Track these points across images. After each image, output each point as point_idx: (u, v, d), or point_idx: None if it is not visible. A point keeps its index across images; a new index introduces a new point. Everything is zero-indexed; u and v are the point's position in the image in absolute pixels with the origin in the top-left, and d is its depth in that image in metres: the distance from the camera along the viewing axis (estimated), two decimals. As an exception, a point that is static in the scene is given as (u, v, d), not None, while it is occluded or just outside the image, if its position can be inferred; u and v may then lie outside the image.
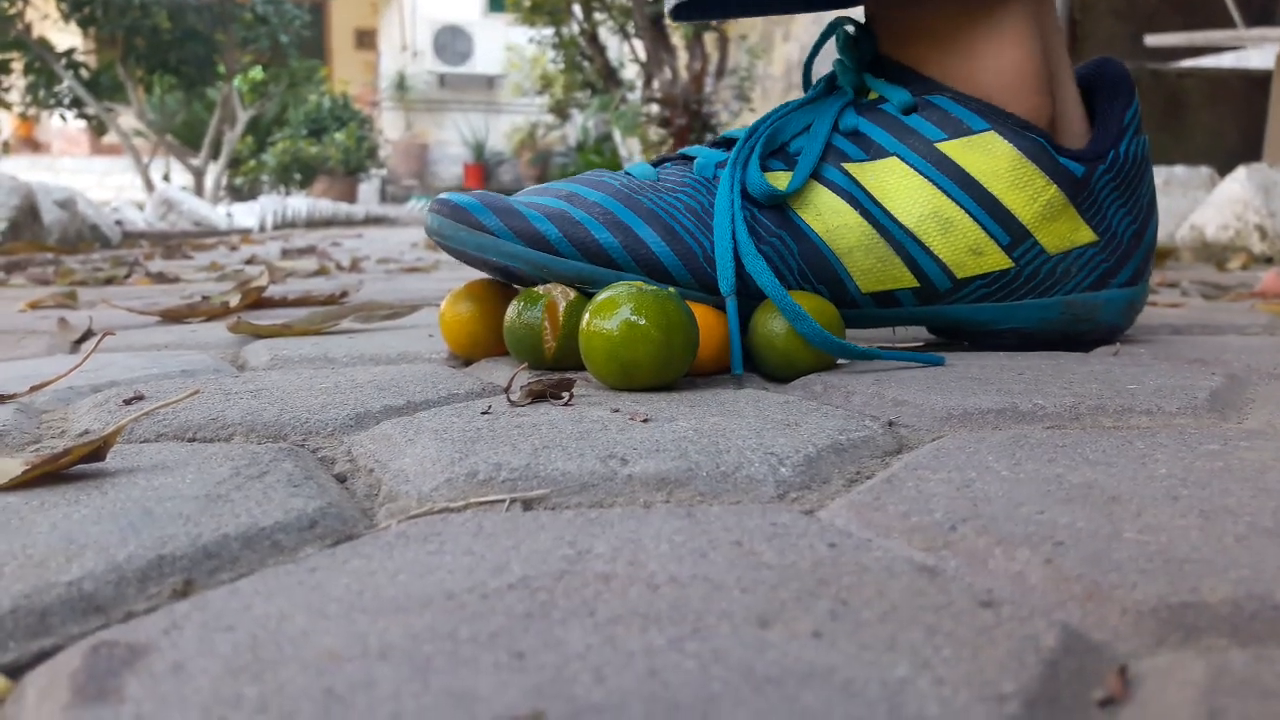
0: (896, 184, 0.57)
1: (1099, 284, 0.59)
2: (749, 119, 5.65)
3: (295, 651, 0.20)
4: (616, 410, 0.42)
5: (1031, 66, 0.58)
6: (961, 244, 0.57)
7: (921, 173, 0.57)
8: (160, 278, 1.38)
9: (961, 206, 0.57)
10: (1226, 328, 0.72)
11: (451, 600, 0.23)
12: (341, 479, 0.35)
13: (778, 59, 5.62)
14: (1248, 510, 0.28)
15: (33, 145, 10.05)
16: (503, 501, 0.31)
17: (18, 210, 2.23)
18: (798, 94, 5.38)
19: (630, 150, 6.25)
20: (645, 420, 0.39)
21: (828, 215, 0.57)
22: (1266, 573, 0.23)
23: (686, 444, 0.35)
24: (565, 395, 0.44)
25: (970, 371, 0.50)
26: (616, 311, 0.46)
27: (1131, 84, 0.61)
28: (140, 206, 3.89)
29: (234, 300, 0.88)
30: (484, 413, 0.41)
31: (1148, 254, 0.61)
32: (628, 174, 0.59)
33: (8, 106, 5.77)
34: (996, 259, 0.57)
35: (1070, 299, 0.59)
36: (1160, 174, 1.53)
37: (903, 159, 0.57)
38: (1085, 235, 0.58)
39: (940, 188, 0.57)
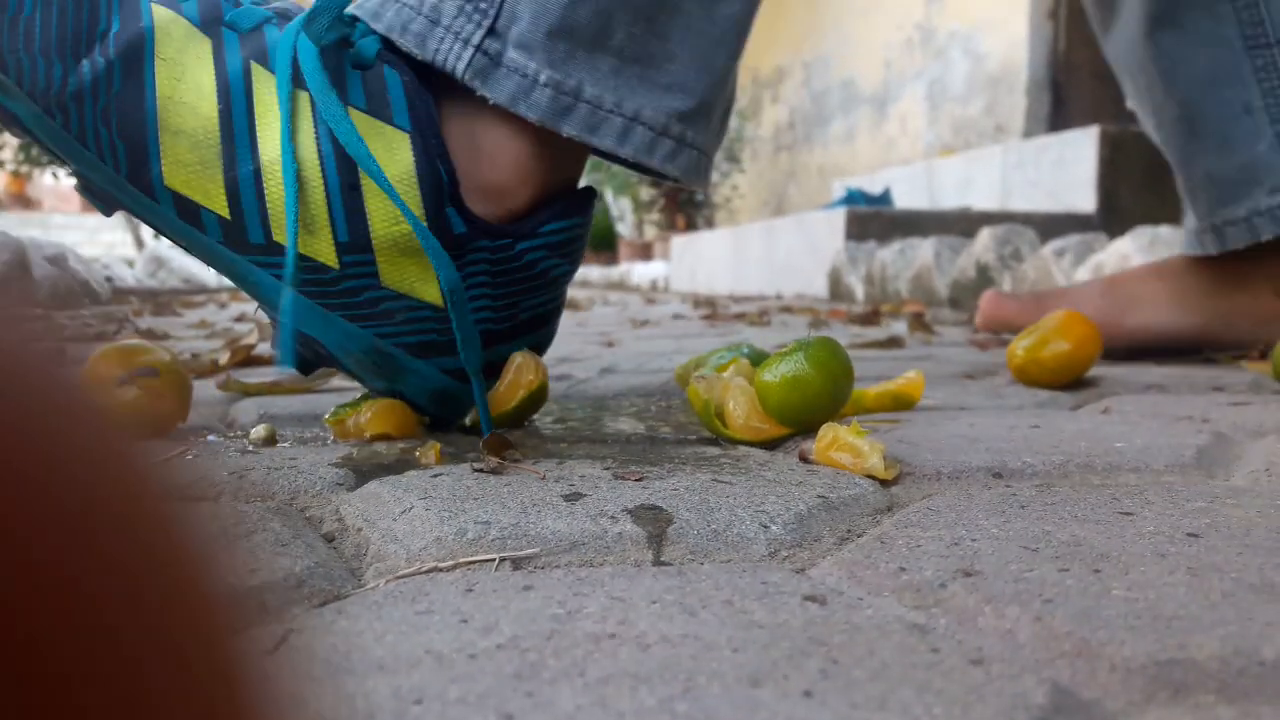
0: (271, 110, 0.47)
1: (419, 351, 0.50)
2: (739, 180, 5.73)
3: (280, 714, 0.20)
4: (608, 468, 0.42)
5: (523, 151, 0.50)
6: (308, 212, 0.47)
7: (321, 118, 0.47)
8: (149, 334, 1.38)
9: (324, 172, 0.47)
10: (1211, 385, 0.73)
11: (440, 660, 0.23)
12: (330, 539, 0.35)
13: (766, 121, 5.73)
14: (1234, 567, 0.28)
15: (24, 202, 10.10)
16: (492, 560, 0.31)
17: (8, 266, 2.23)
18: (787, 156, 5.47)
19: (622, 209, 6.31)
20: (639, 479, 0.39)
21: (189, 84, 0.47)
22: (1253, 629, 0.23)
23: (677, 502, 0.35)
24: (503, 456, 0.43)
25: (959, 430, 0.51)
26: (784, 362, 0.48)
27: (583, 208, 0.52)
28: (130, 263, 3.91)
29: (223, 358, 0.88)
30: (476, 470, 0.41)
31: (486, 364, 0.51)
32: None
33: (0, 164, 5.81)
34: (325, 251, 0.48)
35: (379, 344, 0.50)
36: (1146, 234, 1.56)
37: (316, 99, 0.47)
38: (431, 295, 0.49)
39: (319, 142, 0.47)
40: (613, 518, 0.34)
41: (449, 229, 0.49)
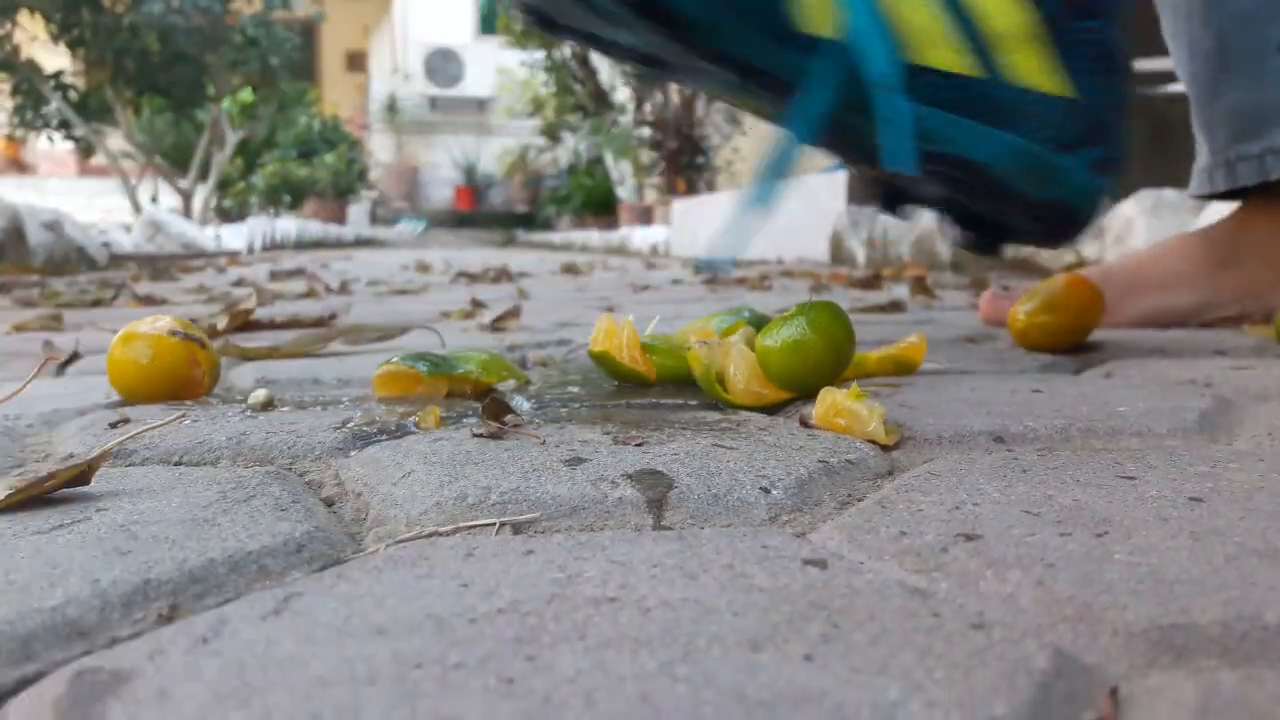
0: None
1: (1067, 146, 0.51)
2: (741, 143, 5.68)
3: (282, 677, 0.20)
4: (608, 433, 0.42)
5: None
6: (922, 21, 0.47)
7: None
8: (148, 300, 1.37)
9: None
10: (1214, 349, 0.72)
11: (440, 625, 0.23)
12: (329, 503, 0.35)
13: (766, 83, 5.66)
14: (1237, 531, 0.28)
15: (20, 167, 10.04)
16: (492, 525, 0.31)
17: (4, 232, 2.22)
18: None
19: (622, 173, 6.27)
20: (639, 444, 0.39)
21: None
22: (1256, 593, 0.23)
23: (678, 467, 0.35)
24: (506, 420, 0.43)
25: (961, 394, 0.50)
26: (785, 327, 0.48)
27: None
28: (128, 229, 3.88)
29: (222, 323, 0.88)
30: (476, 435, 0.41)
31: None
32: None
33: (-5, 128, 5.77)
34: (952, 58, 0.48)
35: (1030, 147, 0.50)
36: (1150, 197, 1.55)
37: None
38: (1055, 85, 0.49)
39: None
40: (613, 482, 0.33)
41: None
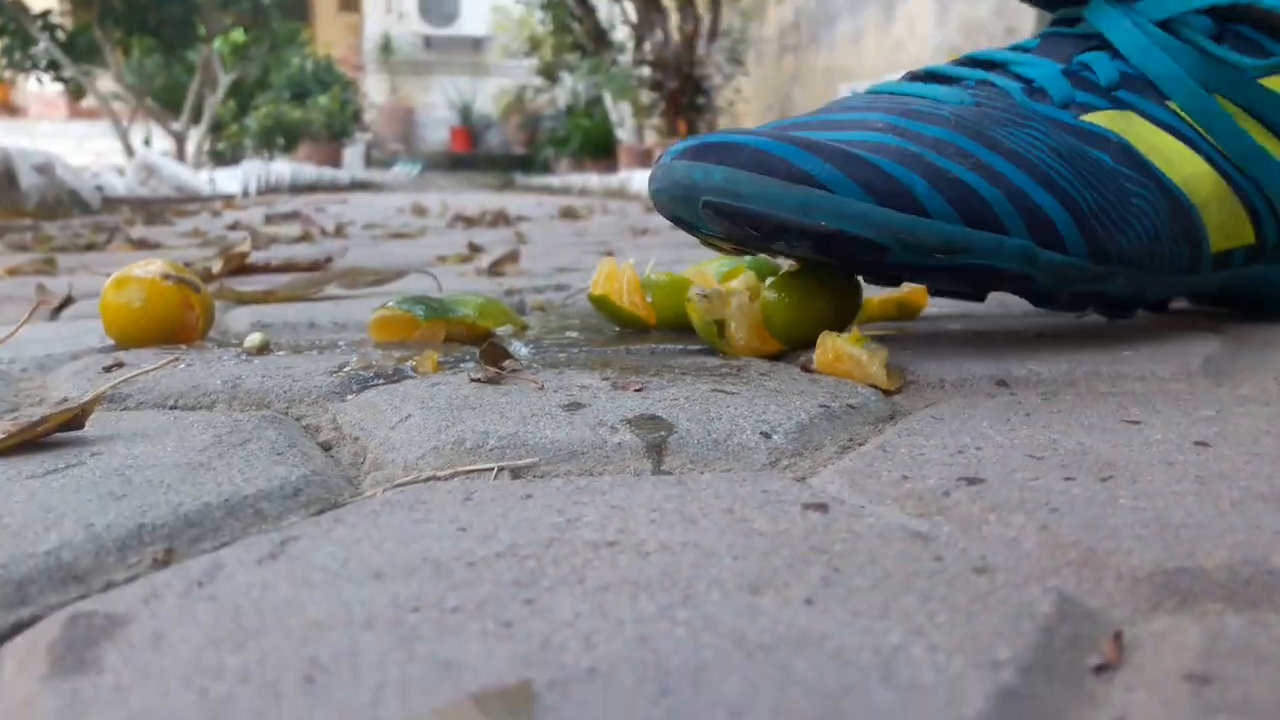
0: (1243, 127, 0.49)
1: None
2: (743, 83, 5.59)
3: (278, 621, 0.20)
4: (607, 378, 0.41)
5: None
6: None
7: (1252, 113, 0.49)
8: (142, 244, 1.36)
9: None
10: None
11: (438, 568, 0.22)
12: (326, 447, 0.35)
13: (771, 20, 5.57)
14: (1243, 476, 0.28)
15: (9, 109, 9.90)
16: (491, 469, 0.31)
17: (-4, 175, 2.19)
18: (792, 58, 5.33)
19: (621, 114, 6.18)
20: (639, 389, 0.39)
21: (1177, 162, 0.47)
22: (1262, 538, 0.23)
23: (677, 411, 0.35)
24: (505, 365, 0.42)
25: (964, 337, 0.50)
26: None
27: None
28: (121, 172, 3.84)
29: (216, 266, 0.87)
30: (474, 380, 0.40)
31: None
32: (923, 97, 0.46)
33: (-16, 69, 5.67)
34: None
35: None
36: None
37: (1226, 97, 0.48)
38: None
39: (1266, 125, 0.49)
40: (612, 427, 0.33)
41: None
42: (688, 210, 0.43)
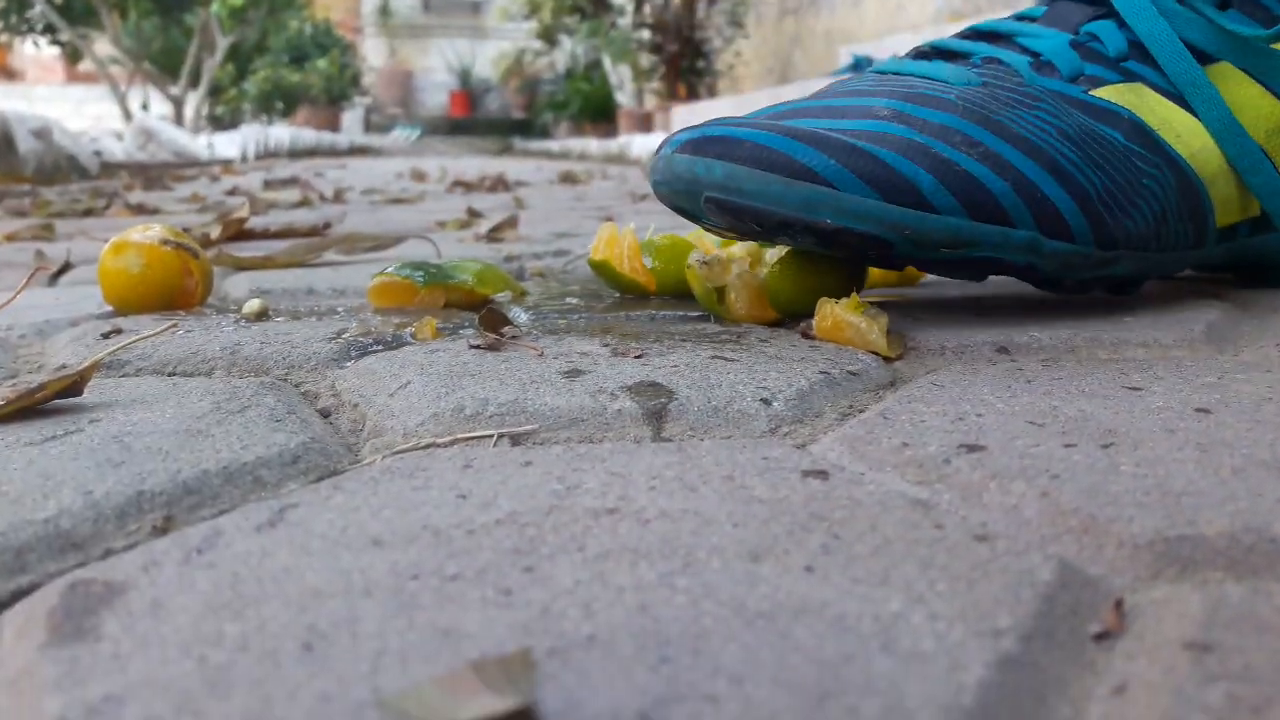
0: (1238, 93, 0.48)
1: None
2: (743, 46, 5.53)
3: (277, 588, 0.20)
4: (607, 345, 0.41)
5: None
6: None
7: (1257, 78, 0.48)
8: (140, 209, 1.35)
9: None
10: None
11: (437, 536, 0.22)
12: (325, 414, 0.34)
13: (770, -14, 5.49)
14: (1245, 443, 0.28)
15: (6, 73, 9.80)
16: (490, 437, 0.30)
17: (-8, 140, 2.18)
18: (792, 20, 5.26)
19: (621, 77, 6.12)
20: (638, 356, 0.39)
21: (1186, 136, 0.47)
22: (1263, 506, 0.23)
23: (677, 378, 0.35)
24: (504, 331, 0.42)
25: (964, 304, 0.50)
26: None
27: None
28: (119, 136, 3.81)
29: (215, 232, 0.86)
30: (473, 346, 0.40)
31: None
32: (928, 78, 0.45)
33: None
34: None
35: None
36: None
37: (1234, 64, 0.48)
38: None
39: (1274, 92, 0.48)
40: (612, 394, 0.33)
41: None
42: (690, 203, 0.43)
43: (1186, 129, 0.47)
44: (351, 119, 8.90)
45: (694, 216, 0.44)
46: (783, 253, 0.46)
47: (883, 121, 0.41)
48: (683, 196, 0.43)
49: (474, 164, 4.05)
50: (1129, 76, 0.48)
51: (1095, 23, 0.49)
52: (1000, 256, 0.42)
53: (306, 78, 7.67)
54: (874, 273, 0.56)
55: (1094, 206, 0.43)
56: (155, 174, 2.60)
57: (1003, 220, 0.41)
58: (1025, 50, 0.48)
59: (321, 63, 7.80)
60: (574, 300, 0.55)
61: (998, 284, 0.58)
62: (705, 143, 0.41)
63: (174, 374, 0.39)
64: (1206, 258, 0.51)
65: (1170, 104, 0.47)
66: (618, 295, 0.55)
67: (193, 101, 6.20)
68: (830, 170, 0.39)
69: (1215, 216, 0.48)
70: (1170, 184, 0.46)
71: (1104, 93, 0.47)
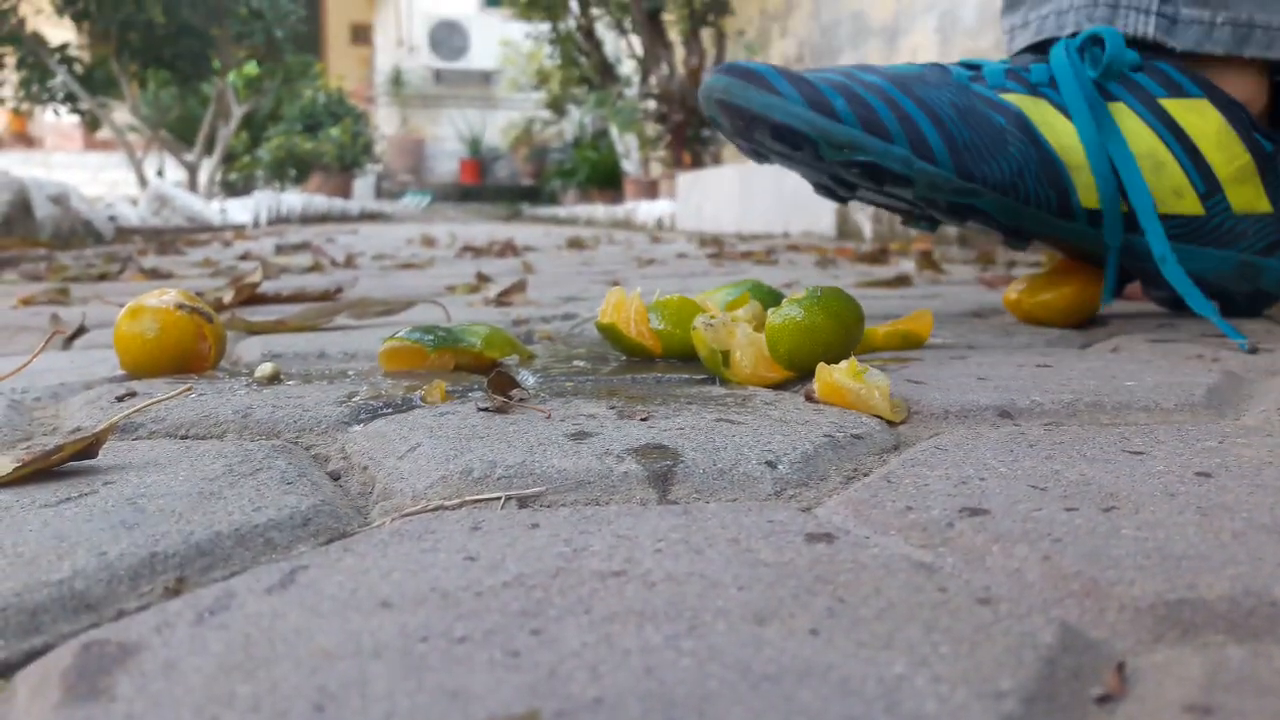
0: (1123, 123, 0.66)
1: (1267, 252, 0.68)
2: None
3: (288, 650, 0.20)
4: (614, 407, 0.42)
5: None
6: (1168, 184, 0.66)
7: (1143, 119, 0.66)
8: (154, 274, 1.37)
9: (1172, 153, 0.66)
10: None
11: (446, 598, 0.23)
12: (335, 476, 0.35)
13: (775, 55, 5.62)
14: (1245, 507, 0.28)
15: (26, 140, 10.02)
16: (498, 499, 0.31)
17: (10, 206, 2.22)
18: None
19: (627, 146, 6.23)
20: (644, 419, 0.39)
21: (1061, 134, 0.65)
22: (1264, 569, 0.23)
23: (683, 441, 0.35)
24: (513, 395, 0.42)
25: (967, 368, 0.50)
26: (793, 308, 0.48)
27: None
28: (134, 202, 3.88)
29: (228, 296, 0.88)
30: (481, 409, 0.41)
31: None
32: (896, 69, 0.66)
33: (1, 101, 5.75)
34: (1192, 204, 0.66)
35: (1244, 258, 0.68)
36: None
37: (1129, 105, 0.66)
38: (1264, 205, 0.67)
39: (1158, 134, 0.66)
40: (618, 457, 0.33)
41: (1261, 150, 0.68)
42: (709, 107, 0.65)
43: (1063, 130, 0.65)
44: (363, 186, 9.05)
45: (714, 118, 0.66)
46: (785, 309, 0.47)
47: (836, 74, 0.63)
48: (704, 100, 0.65)
49: (483, 230, 4.11)
50: (1036, 93, 0.66)
51: (1036, 64, 0.68)
52: (882, 164, 0.62)
53: (319, 145, 7.83)
54: (877, 337, 0.56)
55: (958, 146, 0.63)
56: (169, 239, 2.64)
57: (886, 137, 0.62)
58: (971, 68, 0.67)
59: (334, 131, 7.97)
60: (581, 363, 0.55)
61: (999, 349, 0.59)
62: (724, 69, 0.64)
63: (187, 437, 0.40)
64: (1084, 234, 0.66)
65: (1059, 114, 0.65)
66: (624, 358, 0.56)
67: (207, 168, 6.33)
68: (783, 87, 0.62)
69: (1079, 195, 0.65)
70: (1032, 156, 0.64)
71: (1009, 97, 0.66)
